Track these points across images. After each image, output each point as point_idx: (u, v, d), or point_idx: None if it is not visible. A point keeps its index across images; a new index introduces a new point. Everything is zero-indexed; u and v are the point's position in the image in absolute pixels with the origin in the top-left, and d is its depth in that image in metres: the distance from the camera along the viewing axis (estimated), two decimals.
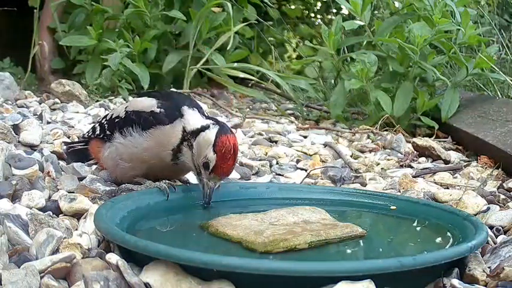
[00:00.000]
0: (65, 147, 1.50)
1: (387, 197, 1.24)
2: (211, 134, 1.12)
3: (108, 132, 1.29)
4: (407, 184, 1.45)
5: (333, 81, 3.11)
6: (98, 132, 1.34)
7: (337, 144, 2.04)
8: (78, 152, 1.44)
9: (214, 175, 1.13)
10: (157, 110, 1.21)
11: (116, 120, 1.29)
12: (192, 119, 1.18)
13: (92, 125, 1.41)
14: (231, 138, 1.12)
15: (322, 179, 1.55)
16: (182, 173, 1.30)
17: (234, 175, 1.52)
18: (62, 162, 1.42)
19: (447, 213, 1.11)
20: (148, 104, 1.24)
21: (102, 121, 1.35)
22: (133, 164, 1.24)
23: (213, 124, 1.15)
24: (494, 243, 1.04)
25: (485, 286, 0.86)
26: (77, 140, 1.65)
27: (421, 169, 1.69)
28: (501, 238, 1.06)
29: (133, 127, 1.22)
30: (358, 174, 1.62)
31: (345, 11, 4.02)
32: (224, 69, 2.86)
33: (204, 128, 1.14)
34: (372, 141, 2.13)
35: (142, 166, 1.25)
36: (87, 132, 1.42)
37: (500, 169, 1.64)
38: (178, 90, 2.64)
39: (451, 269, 0.88)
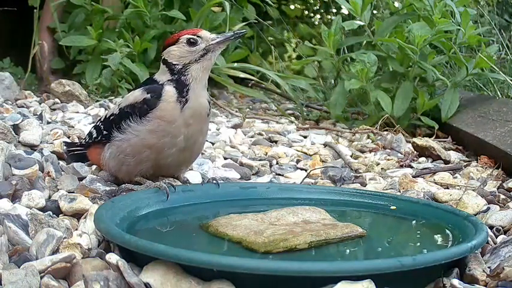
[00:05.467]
0: (65, 147, 1.50)
1: (387, 197, 1.24)
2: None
3: (105, 132, 1.28)
4: (407, 184, 1.45)
5: (333, 81, 3.11)
6: (95, 135, 1.32)
7: (337, 144, 2.04)
8: (78, 155, 1.44)
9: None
10: (148, 96, 1.23)
11: (111, 118, 1.28)
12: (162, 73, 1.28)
13: (88, 130, 1.40)
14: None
15: (322, 179, 1.55)
16: (194, 147, 1.29)
17: (234, 175, 1.52)
18: (62, 162, 1.42)
19: (447, 213, 1.11)
20: (138, 94, 1.25)
21: (98, 124, 1.34)
22: (139, 158, 1.24)
23: None
24: (494, 243, 1.04)
25: (485, 286, 0.86)
26: (76, 141, 1.65)
27: (421, 169, 1.69)
28: (501, 238, 1.06)
29: (130, 119, 1.23)
30: (358, 174, 1.62)
31: (344, 11, 4.01)
32: (224, 69, 2.85)
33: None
34: (372, 141, 2.13)
35: (149, 157, 1.24)
36: (84, 139, 1.41)
37: (500, 169, 1.63)
38: None
39: (451, 269, 0.88)
